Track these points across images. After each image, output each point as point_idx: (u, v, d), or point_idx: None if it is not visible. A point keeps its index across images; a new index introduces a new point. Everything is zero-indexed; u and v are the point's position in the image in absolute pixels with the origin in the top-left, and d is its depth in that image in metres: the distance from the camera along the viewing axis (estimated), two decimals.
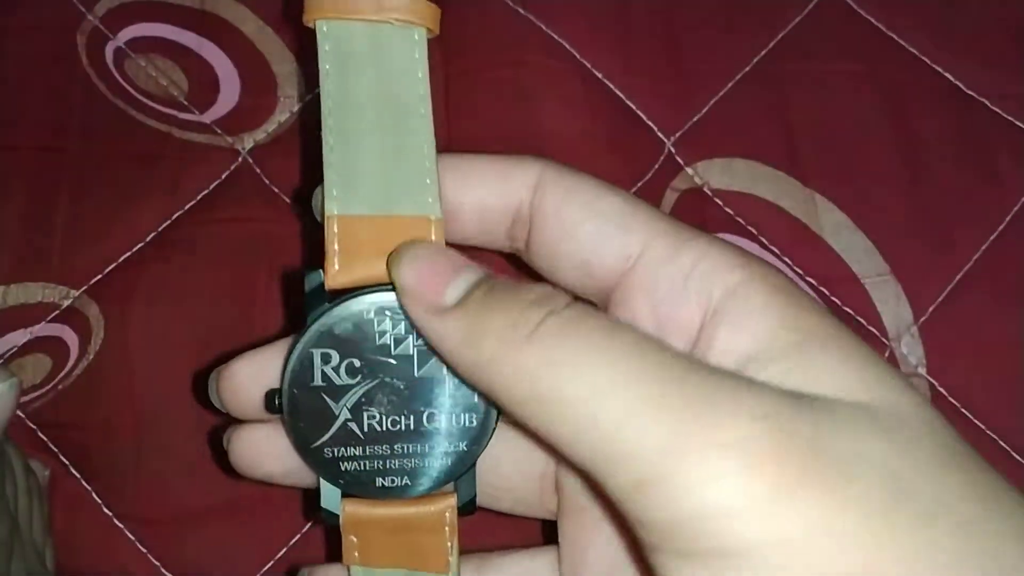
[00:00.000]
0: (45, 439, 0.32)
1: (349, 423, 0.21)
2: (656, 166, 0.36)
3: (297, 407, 0.21)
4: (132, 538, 0.31)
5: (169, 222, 0.34)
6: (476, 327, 0.17)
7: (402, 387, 0.21)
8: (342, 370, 0.21)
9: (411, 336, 0.21)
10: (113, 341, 0.32)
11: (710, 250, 0.19)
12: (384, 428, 0.21)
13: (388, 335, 0.21)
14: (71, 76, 0.35)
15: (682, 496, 0.14)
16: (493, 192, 0.21)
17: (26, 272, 0.33)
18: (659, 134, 0.36)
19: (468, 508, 0.23)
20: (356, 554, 0.23)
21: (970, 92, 0.37)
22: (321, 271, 0.21)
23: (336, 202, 0.21)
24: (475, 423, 0.22)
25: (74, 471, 0.32)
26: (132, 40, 0.36)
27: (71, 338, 0.33)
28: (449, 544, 0.22)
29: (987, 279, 0.35)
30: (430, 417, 0.21)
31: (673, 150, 0.36)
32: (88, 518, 0.31)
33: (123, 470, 0.31)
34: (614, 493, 0.15)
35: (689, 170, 0.36)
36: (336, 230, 0.21)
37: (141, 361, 0.32)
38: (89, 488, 0.31)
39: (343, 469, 0.22)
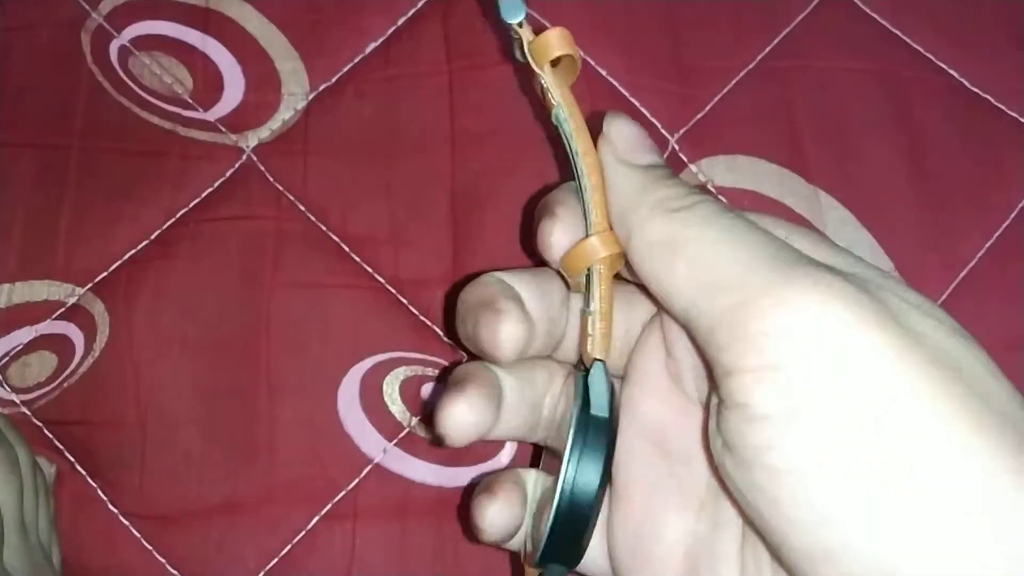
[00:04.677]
0: (51, 436, 0.32)
1: None
2: None
3: None
4: (137, 535, 0.31)
5: (174, 220, 0.34)
6: (650, 186, 0.22)
7: None
8: None
9: None
10: (118, 339, 0.33)
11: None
12: None
13: None
14: (75, 74, 0.35)
15: (761, 316, 0.18)
16: None
17: (31, 270, 0.33)
18: (663, 131, 0.36)
19: None
20: None
21: (974, 89, 0.37)
22: None
23: None
24: None
25: (80, 468, 0.32)
26: (136, 38, 0.36)
27: (76, 336, 0.33)
28: None
29: (992, 276, 0.34)
30: None
31: (677, 147, 0.36)
32: (94, 515, 0.31)
33: (128, 467, 0.32)
34: (703, 321, 0.19)
35: (693, 167, 0.36)
36: None
37: (146, 358, 0.32)
38: (94, 485, 0.32)
39: None
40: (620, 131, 0.24)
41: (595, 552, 0.25)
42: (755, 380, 0.18)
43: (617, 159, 0.23)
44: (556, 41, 0.23)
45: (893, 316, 0.18)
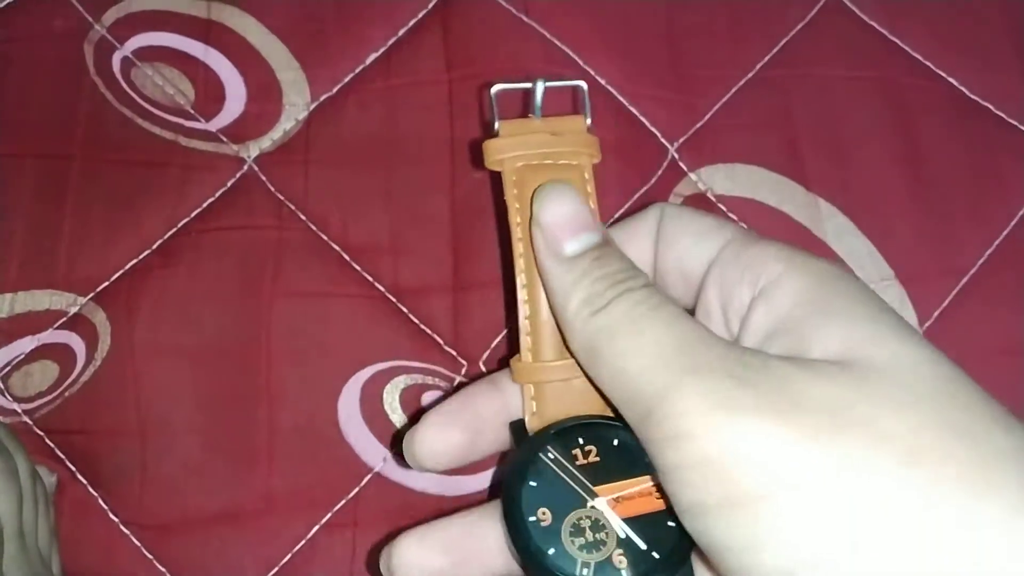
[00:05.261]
0: (52, 445, 0.32)
1: None
2: (660, 172, 0.36)
3: None
4: (138, 544, 0.31)
5: (175, 230, 0.34)
6: (572, 287, 0.23)
7: None
8: None
9: None
10: (119, 348, 0.33)
11: (766, 249, 0.23)
12: None
13: None
14: (78, 85, 0.36)
15: (665, 424, 0.20)
16: (635, 238, 0.26)
17: (33, 279, 0.33)
18: (663, 140, 0.36)
19: None
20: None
21: (974, 96, 0.37)
22: None
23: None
24: None
25: (80, 477, 0.32)
26: (139, 49, 0.36)
27: (78, 345, 0.33)
28: None
29: (992, 283, 0.34)
30: None
31: (677, 156, 0.36)
32: (94, 524, 0.31)
33: (129, 476, 0.32)
34: (631, 422, 0.21)
35: (693, 176, 0.36)
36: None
37: (147, 368, 0.32)
38: (95, 494, 0.32)
39: None
40: (550, 213, 0.24)
41: None
42: (668, 479, 0.20)
43: (547, 251, 0.23)
44: (492, 149, 0.26)
45: (772, 406, 0.19)
